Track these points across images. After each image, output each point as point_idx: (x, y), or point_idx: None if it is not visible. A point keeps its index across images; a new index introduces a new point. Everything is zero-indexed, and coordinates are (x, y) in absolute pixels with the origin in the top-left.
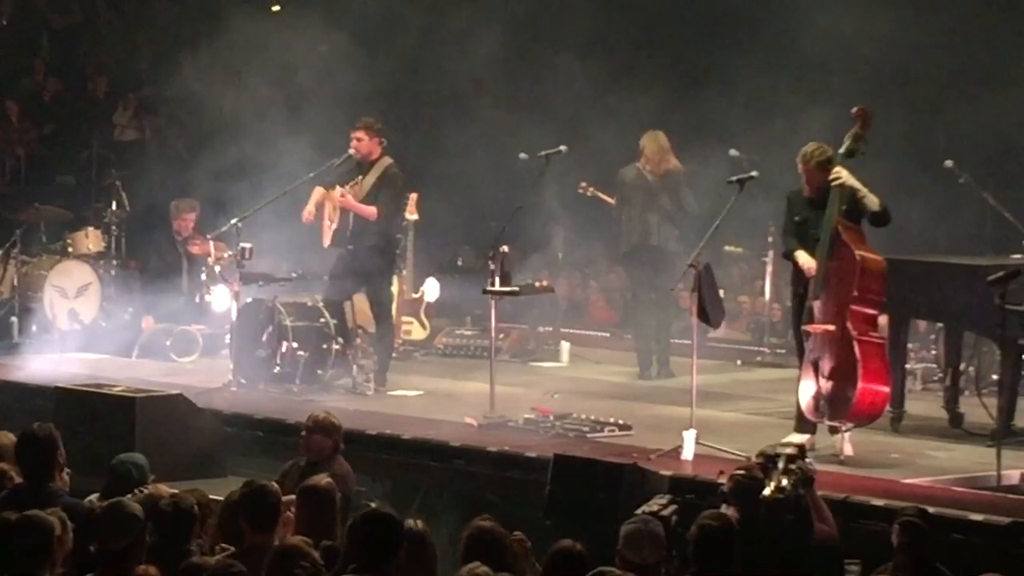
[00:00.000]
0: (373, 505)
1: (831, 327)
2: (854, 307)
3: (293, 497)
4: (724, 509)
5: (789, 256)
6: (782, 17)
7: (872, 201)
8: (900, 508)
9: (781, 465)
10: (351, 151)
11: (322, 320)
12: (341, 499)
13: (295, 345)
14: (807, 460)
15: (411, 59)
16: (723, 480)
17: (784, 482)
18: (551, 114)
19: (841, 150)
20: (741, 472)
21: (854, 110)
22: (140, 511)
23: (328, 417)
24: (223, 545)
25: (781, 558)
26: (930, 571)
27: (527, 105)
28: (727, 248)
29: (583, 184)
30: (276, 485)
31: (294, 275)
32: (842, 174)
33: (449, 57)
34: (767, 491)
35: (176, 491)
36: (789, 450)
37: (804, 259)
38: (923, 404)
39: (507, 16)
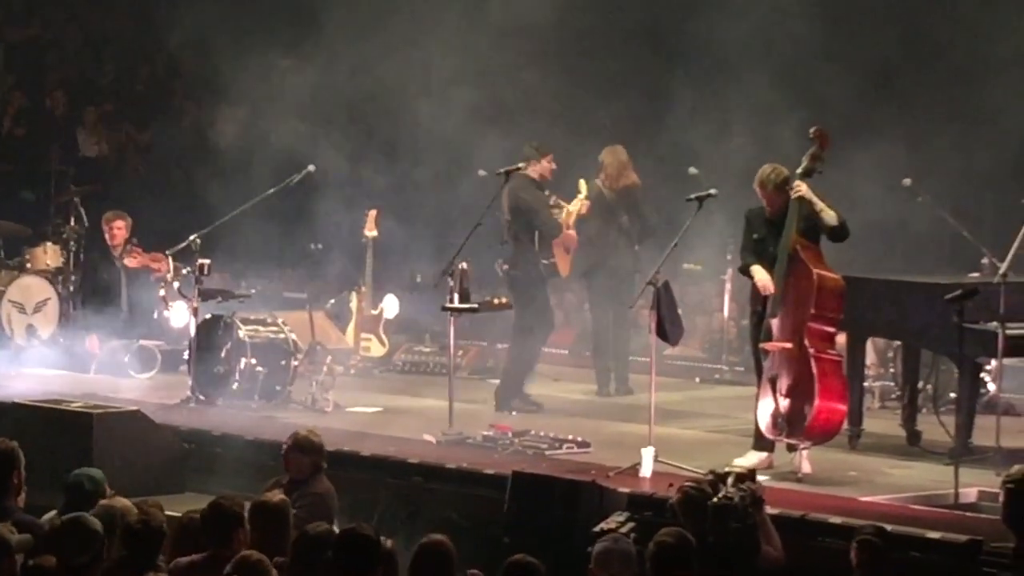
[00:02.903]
0: (326, 525)
1: (788, 345)
2: (811, 325)
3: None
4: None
5: (745, 271)
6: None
7: (830, 216)
8: (858, 526)
9: (730, 482)
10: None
11: (281, 336)
12: (320, 519)
13: (254, 361)
14: (757, 483)
15: (368, 70)
16: (673, 493)
17: (732, 492)
18: (513, 128)
19: (799, 170)
20: (690, 485)
21: (812, 130)
22: (100, 526)
23: (308, 436)
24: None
25: None
26: None
27: (489, 119)
28: (686, 266)
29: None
30: (239, 501)
31: (253, 291)
32: (802, 187)
33: (406, 71)
34: (714, 499)
35: (138, 504)
36: (738, 470)
37: (759, 275)
38: (881, 422)
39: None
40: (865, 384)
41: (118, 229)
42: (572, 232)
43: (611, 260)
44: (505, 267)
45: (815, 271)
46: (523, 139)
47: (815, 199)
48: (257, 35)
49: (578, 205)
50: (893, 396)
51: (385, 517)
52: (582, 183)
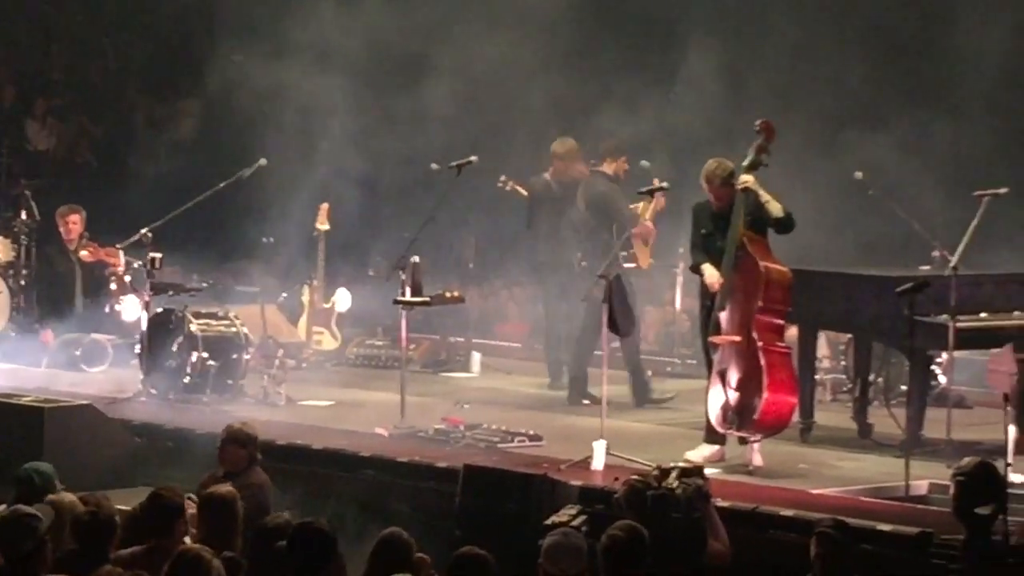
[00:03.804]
0: (286, 515)
1: (737, 338)
2: (760, 317)
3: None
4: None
5: (696, 270)
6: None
7: (775, 208)
8: (814, 519)
9: (674, 475)
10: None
11: (233, 330)
12: (257, 510)
13: (205, 355)
14: (704, 479)
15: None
16: (618, 486)
17: (675, 485)
18: (460, 122)
19: (744, 162)
20: (635, 478)
21: (758, 123)
22: (41, 518)
23: (243, 428)
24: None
25: (675, 573)
26: None
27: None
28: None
29: (503, 178)
30: (179, 491)
31: (205, 285)
32: (749, 180)
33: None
34: (654, 491)
35: (86, 498)
36: (684, 464)
37: (709, 273)
38: (832, 415)
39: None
40: (816, 377)
41: (73, 223)
42: (650, 224)
43: (562, 254)
44: (583, 262)
45: (762, 264)
46: (480, 129)
47: (760, 191)
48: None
49: (653, 202)
50: (844, 389)
51: (337, 511)
52: (656, 182)
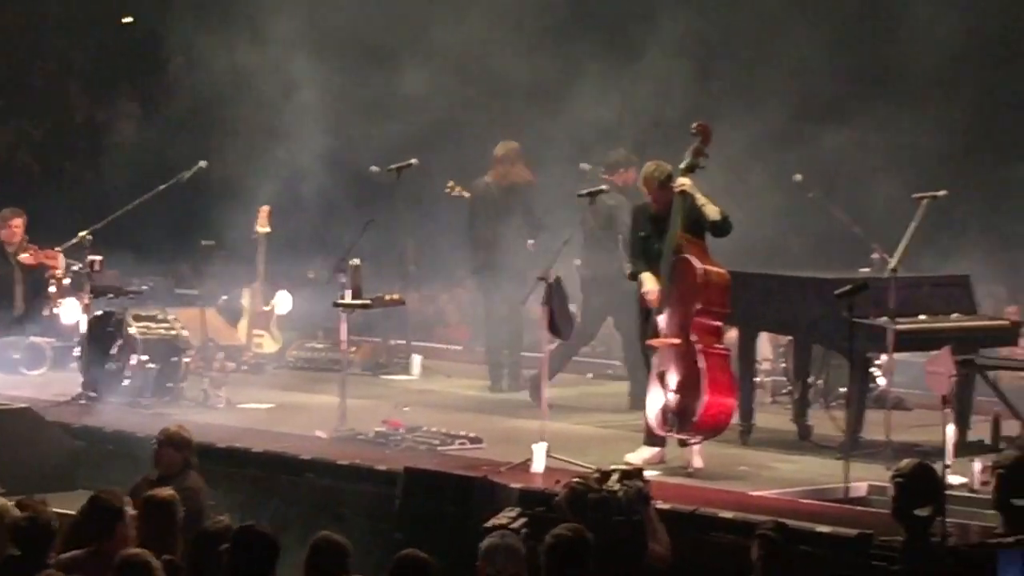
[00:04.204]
0: (226, 519)
1: (676, 340)
2: (698, 320)
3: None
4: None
5: (634, 278)
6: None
7: (712, 210)
8: (755, 521)
9: (615, 478)
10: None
11: (173, 333)
12: (192, 514)
13: (145, 358)
14: (644, 481)
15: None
16: (559, 489)
17: (616, 488)
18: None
19: (681, 164)
20: (576, 480)
21: (695, 125)
22: None
23: (179, 431)
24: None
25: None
26: None
27: (383, 115)
28: (577, 262)
29: (450, 183)
30: (118, 494)
31: (145, 288)
32: (686, 183)
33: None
34: (598, 493)
35: (23, 502)
36: (624, 466)
37: (648, 283)
38: (772, 417)
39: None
40: (756, 379)
41: (15, 227)
42: None
43: (503, 256)
44: (579, 266)
45: (700, 266)
46: (423, 133)
47: (697, 194)
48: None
49: None
50: (784, 391)
51: (277, 514)
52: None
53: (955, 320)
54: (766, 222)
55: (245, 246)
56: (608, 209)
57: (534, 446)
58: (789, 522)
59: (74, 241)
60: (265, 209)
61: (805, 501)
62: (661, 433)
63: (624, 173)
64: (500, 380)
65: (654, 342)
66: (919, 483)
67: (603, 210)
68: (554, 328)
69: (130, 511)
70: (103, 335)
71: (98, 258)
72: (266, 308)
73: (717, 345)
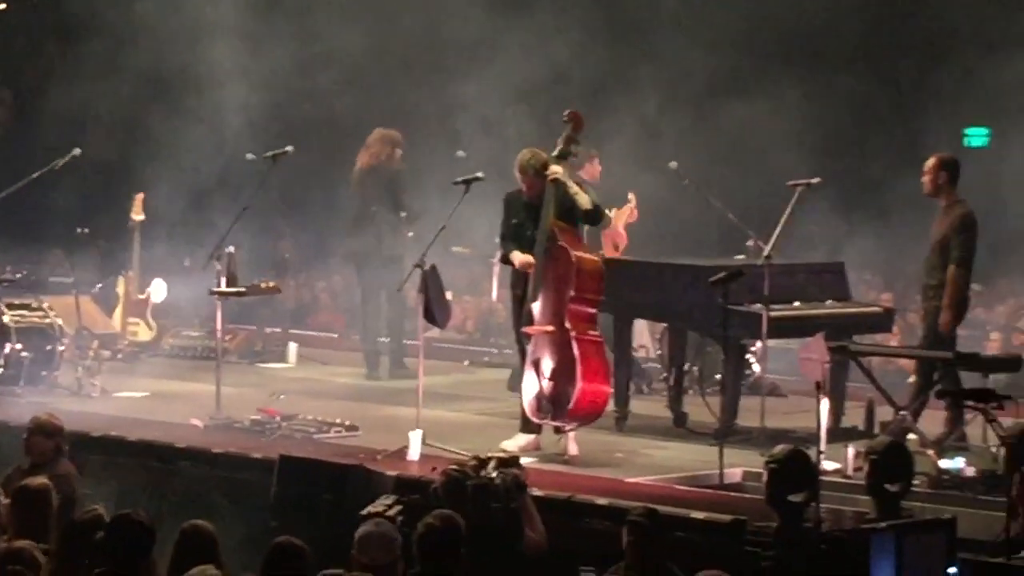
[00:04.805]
0: (99, 508)
1: (550, 328)
2: (572, 307)
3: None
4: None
5: (506, 260)
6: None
7: (584, 200)
8: (627, 508)
9: (492, 465)
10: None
11: (47, 321)
12: (63, 501)
13: (19, 346)
14: (521, 468)
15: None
16: (435, 476)
17: (494, 475)
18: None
19: (554, 152)
20: (453, 468)
21: (566, 113)
22: None
23: (49, 419)
24: None
25: (492, 562)
26: (660, 570)
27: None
28: (454, 249)
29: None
30: None
31: (18, 275)
32: (558, 171)
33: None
34: (476, 481)
35: None
36: (501, 454)
37: (521, 258)
38: (648, 404)
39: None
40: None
41: None
42: (623, 232)
43: (377, 243)
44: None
45: (574, 253)
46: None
47: (569, 182)
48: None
49: (627, 211)
50: (660, 378)
51: (152, 502)
52: (631, 195)
53: (829, 307)
54: (642, 210)
55: (120, 234)
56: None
57: (410, 433)
58: (663, 508)
59: None
60: (140, 196)
61: (680, 487)
62: (536, 420)
63: (590, 167)
64: (376, 367)
65: (528, 330)
66: (793, 469)
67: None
68: (430, 316)
69: (3, 500)
70: None
71: None
72: (141, 296)
73: (591, 332)
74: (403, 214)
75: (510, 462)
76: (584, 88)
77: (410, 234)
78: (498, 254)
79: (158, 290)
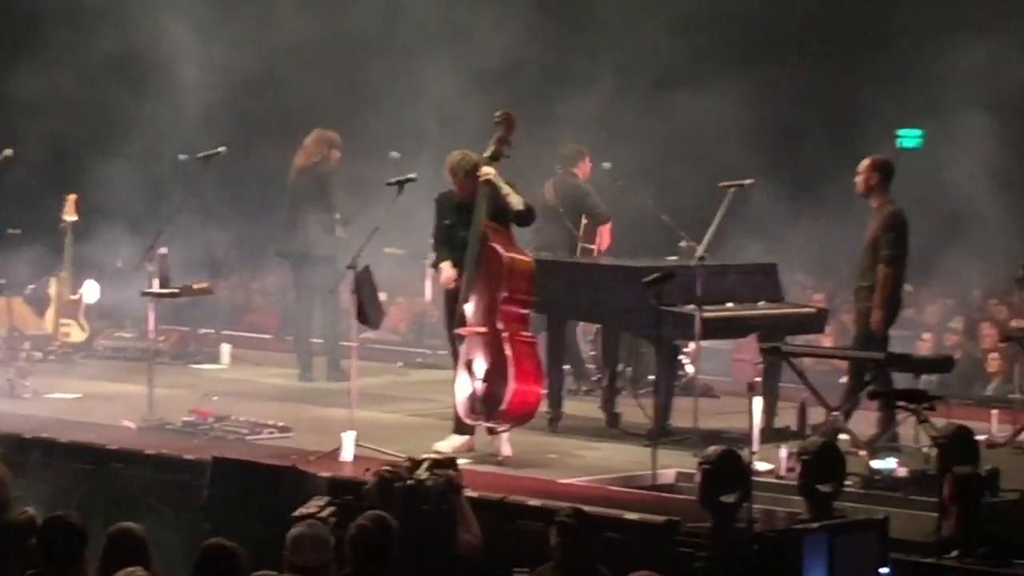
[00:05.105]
0: (30, 510)
1: (482, 328)
2: (504, 307)
3: None
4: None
5: (436, 267)
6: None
7: (515, 200)
8: (557, 508)
9: (425, 466)
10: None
11: None
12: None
13: None
14: (456, 470)
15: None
16: (369, 477)
17: (425, 476)
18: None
19: (486, 154)
20: (386, 469)
21: (498, 114)
22: None
23: None
24: None
25: (424, 563)
26: (589, 570)
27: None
28: (387, 250)
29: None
30: None
31: None
32: (490, 172)
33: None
34: (403, 483)
35: None
36: (435, 455)
37: (446, 272)
38: (581, 405)
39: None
40: (565, 367)
41: None
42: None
43: (309, 244)
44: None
45: (505, 254)
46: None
47: (501, 184)
48: None
49: None
50: (593, 379)
51: (84, 504)
52: None
53: (762, 308)
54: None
55: (51, 235)
56: (573, 188)
57: (343, 435)
58: (596, 509)
59: None
60: (72, 197)
61: (613, 488)
62: (469, 421)
63: (582, 165)
64: (310, 369)
65: (461, 330)
66: (726, 470)
67: (569, 189)
68: (363, 317)
69: None
70: None
71: None
72: (73, 297)
73: (523, 333)
74: (337, 215)
75: (446, 463)
76: (531, 81)
77: (342, 235)
78: (431, 255)
79: (90, 291)
